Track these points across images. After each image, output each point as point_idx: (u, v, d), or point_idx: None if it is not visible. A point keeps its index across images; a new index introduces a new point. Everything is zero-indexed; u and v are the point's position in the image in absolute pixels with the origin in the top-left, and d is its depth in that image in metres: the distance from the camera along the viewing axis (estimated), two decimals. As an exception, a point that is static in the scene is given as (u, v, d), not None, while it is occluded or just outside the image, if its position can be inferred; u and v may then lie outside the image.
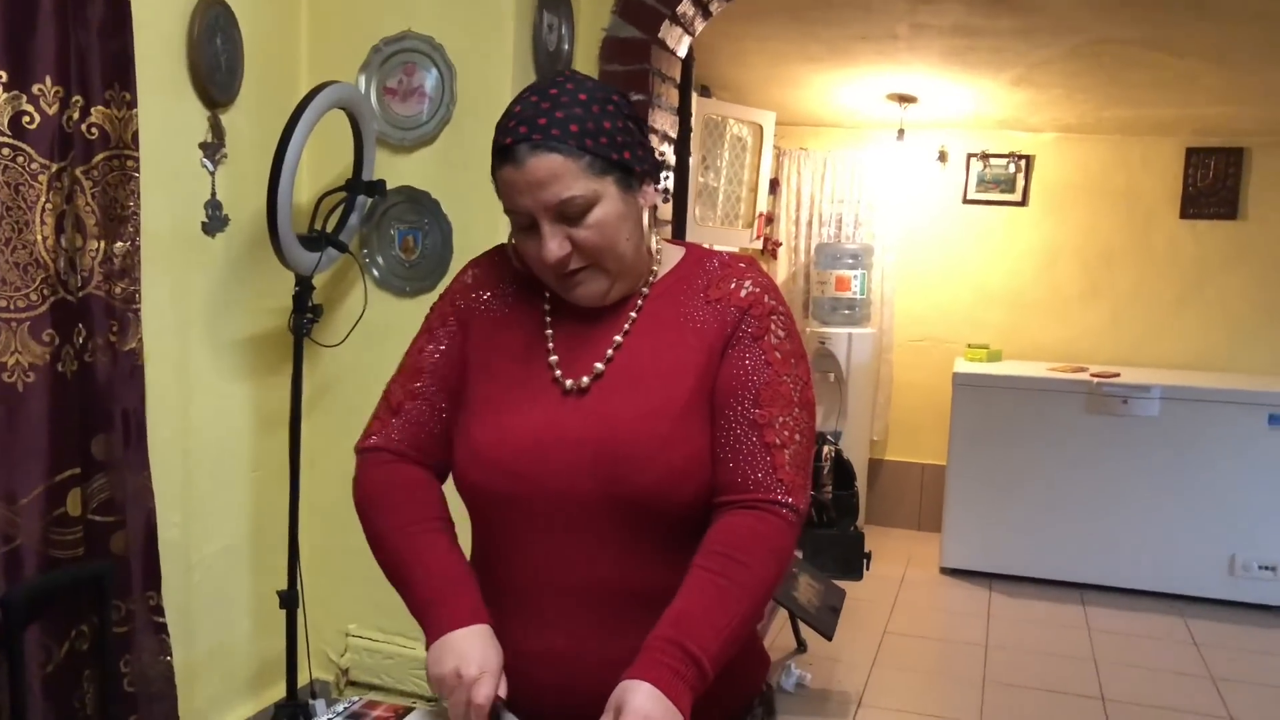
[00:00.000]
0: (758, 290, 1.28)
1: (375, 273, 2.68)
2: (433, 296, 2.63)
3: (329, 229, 2.48)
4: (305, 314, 2.39)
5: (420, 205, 2.63)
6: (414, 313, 2.68)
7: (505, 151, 1.19)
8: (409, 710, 1.38)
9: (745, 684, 1.36)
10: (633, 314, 1.28)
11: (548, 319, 1.31)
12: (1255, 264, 4.85)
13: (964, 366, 4.80)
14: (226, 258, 2.49)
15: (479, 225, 2.63)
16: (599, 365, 1.26)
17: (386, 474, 1.33)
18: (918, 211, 5.33)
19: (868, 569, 4.00)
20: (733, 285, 1.28)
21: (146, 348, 2.17)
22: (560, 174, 1.17)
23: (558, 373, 1.26)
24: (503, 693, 1.20)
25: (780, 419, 1.22)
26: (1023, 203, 5.18)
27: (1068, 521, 4.52)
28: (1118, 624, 4.15)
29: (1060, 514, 4.52)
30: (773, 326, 1.26)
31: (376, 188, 2.50)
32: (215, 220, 2.44)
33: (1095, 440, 4.45)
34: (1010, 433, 4.57)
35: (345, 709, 1.39)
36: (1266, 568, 4.30)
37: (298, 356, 2.40)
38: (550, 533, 1.23)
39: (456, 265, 2.64)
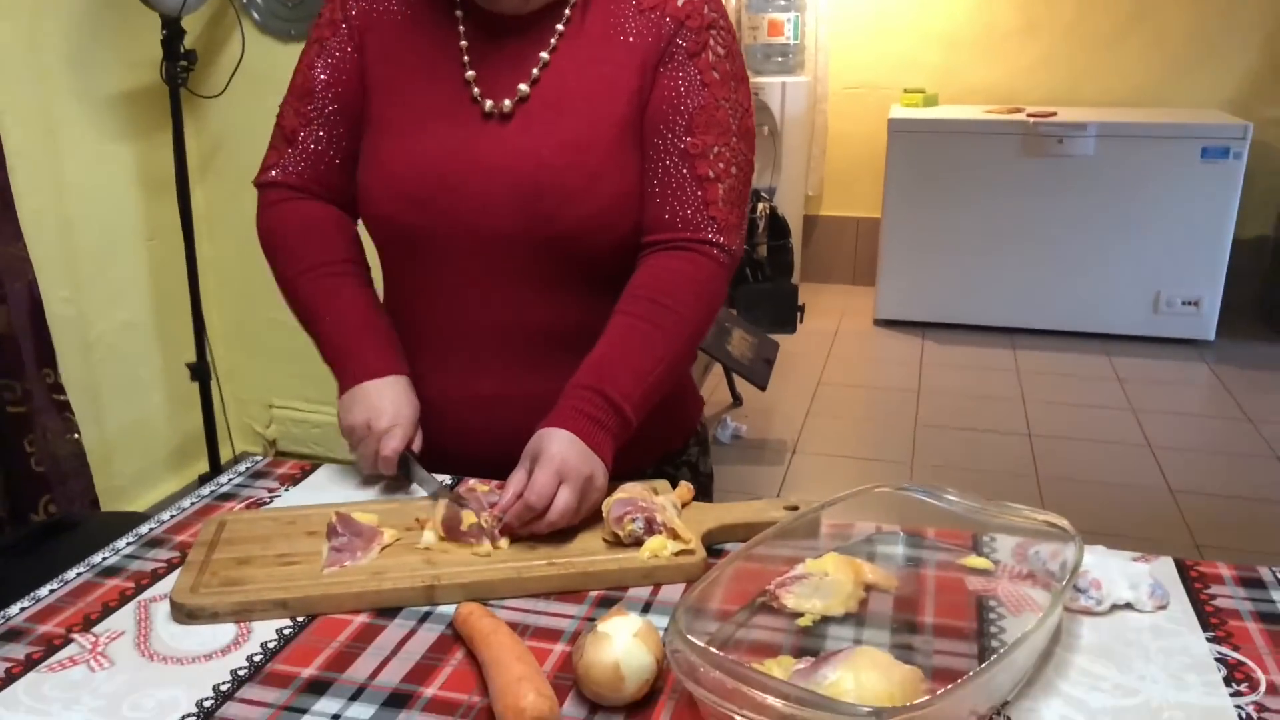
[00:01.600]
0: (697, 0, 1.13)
1: (255, 14, 2.42)
2: None
3: (195, -37, 2.20)
4: (178, 61, 2.15)
5: (298, -67, 2.35)
6: (303, 59, 2.47)
7: None
8: (316, 466, 1.32)
9: (680, 424, 1.32)
10: (559, 27, 1.13)
11: (461, 28, 1.14)
12: (1199, -9, 4.67)
13: (899, 113, 4.65)
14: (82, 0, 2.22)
15: (367, -44, 2.36)
16: (523, 86, 1.12)
17: (288, 213, 1.21)
18: (853, -53, 5.00)
19: (801, 322, 3.99)
20: None
21: (0, 105, 1.95)
22: None
23: (475, 91, 1.12)
24: (416, 446, 1.16)
25: (715, 149, 1.11)
26: (963, -68, 4.87)
27: (1001, 267, 4.52)
28: (1046, 365, 4.24)
29: (994, 260, 4.52)
30: (711, 42, 1.12)
31: (244, -89, 2.22)
32: (61, -44, 2.15)
33: (1030, 183, 4.39)
34: (946, 180, 4.49)
35: (249, 468, 1.32)
36: (1189, 303, 4.38)
37: (176, 110, 2.19)
38: (469, 272, 1.14)
39: (346, 3, 2.40)
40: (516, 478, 1.02)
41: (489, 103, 1.12)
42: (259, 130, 2.47)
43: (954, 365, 4.26)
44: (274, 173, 1.21)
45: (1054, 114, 4.46)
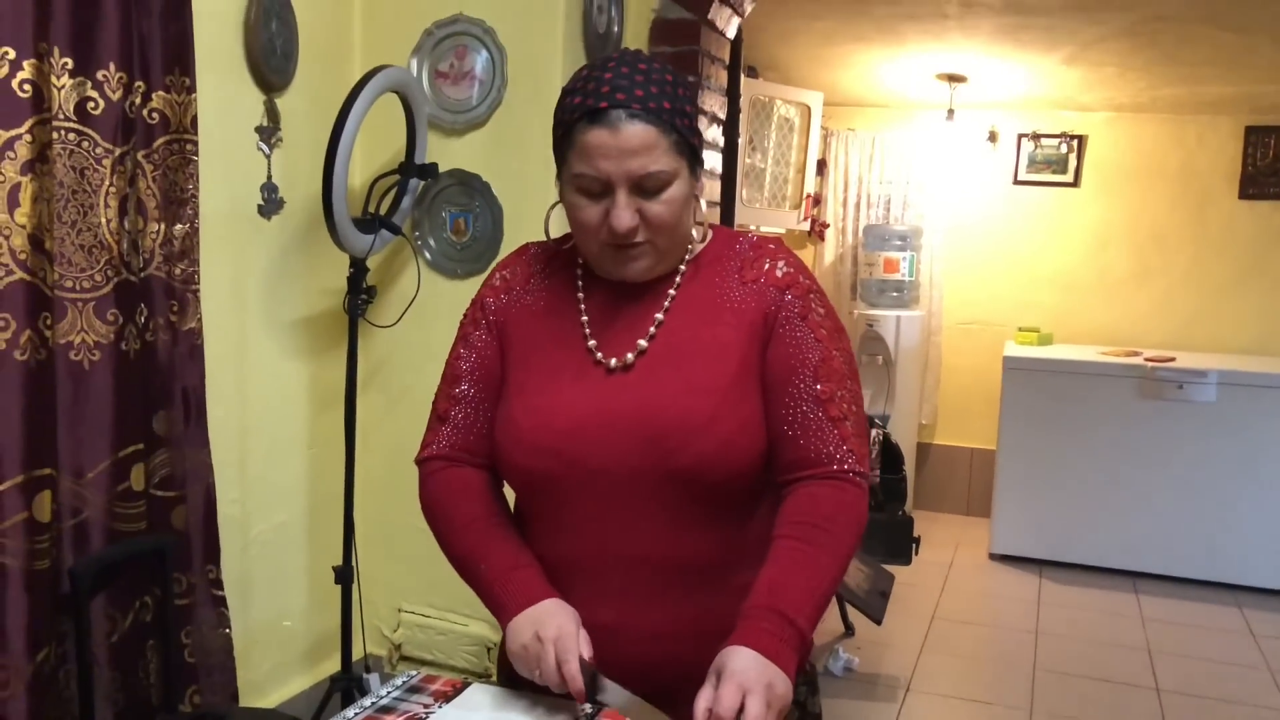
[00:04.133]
0: (792, 270, 1.32)
1: (427, 255, 2.71)
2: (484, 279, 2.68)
3: (382, 211, 2.50)
4: (360, 295, 2.42)
5: (471, 188, 2.65)
6: (465, 294, 2.69)
7: (598, 115, 1.20)
8: (467, 684, 1.40)
9: None
10: (671, 292, 1.31)
11: (582, 305, 1.34)
12: (1316, 245, 4.74)
13: (1014, 350, 4.75)
14: (282, 239, 2.53)
15: (530, 208, 2.64)
16: (642, 343, 1.29)
17: (443, 480, 1.38)
18: (967, 193, 5.26)
19: (916, 554, 3.98)
20: (766, 266, 1.32)
21: (205, 327, 2.22)
22: (652, 146, 1.20)
23: (599, 355, 1.30)
24: (587, 653, 1.20)
25: (839, 393, 1.27)
26: (1074, 184, 5.09)
27: (1120, 508, 4.45)
28: (1172, 613, 4.09)
29: (1113, 500, 4.46)
30: (813, 305, 1.30)
31: (429, 171, 2.53)
32: (271, 203, 2.48)
33: (1149, 425, 4.38)
34: (1061, 417, 4.51)
35: (404, 682, 1.41)
36: (1325, 557, 4.21)
37: (353, 336, 2.44)
38: (596, 508, 1.27)
39: (507, 248, 2.66)
40: (704, 694, 1.11)
41: (612, 360, 1.29)
42: (419, 352, 2.74)
43: (1074, 606, 4.14)
44: (429, 450, 1.40)
45: (1173, 359, 4.49)
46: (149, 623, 2.13)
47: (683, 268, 1.32)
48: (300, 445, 2.67)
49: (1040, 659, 3.61)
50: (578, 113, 1.22)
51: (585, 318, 1.32)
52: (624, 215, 1.21)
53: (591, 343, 1.30)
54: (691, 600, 1.24)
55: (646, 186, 1.21)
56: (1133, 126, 4.98)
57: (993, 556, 4.67)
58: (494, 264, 1.50)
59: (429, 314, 2.60)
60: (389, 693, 1.38)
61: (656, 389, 1.25)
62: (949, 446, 5.39)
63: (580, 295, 1.34)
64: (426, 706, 1.33)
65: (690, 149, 1.25)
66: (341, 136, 2.23)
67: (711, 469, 1.23)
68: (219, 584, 2.29)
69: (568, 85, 1.27)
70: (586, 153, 1.21)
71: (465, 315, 1.43)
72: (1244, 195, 4.82)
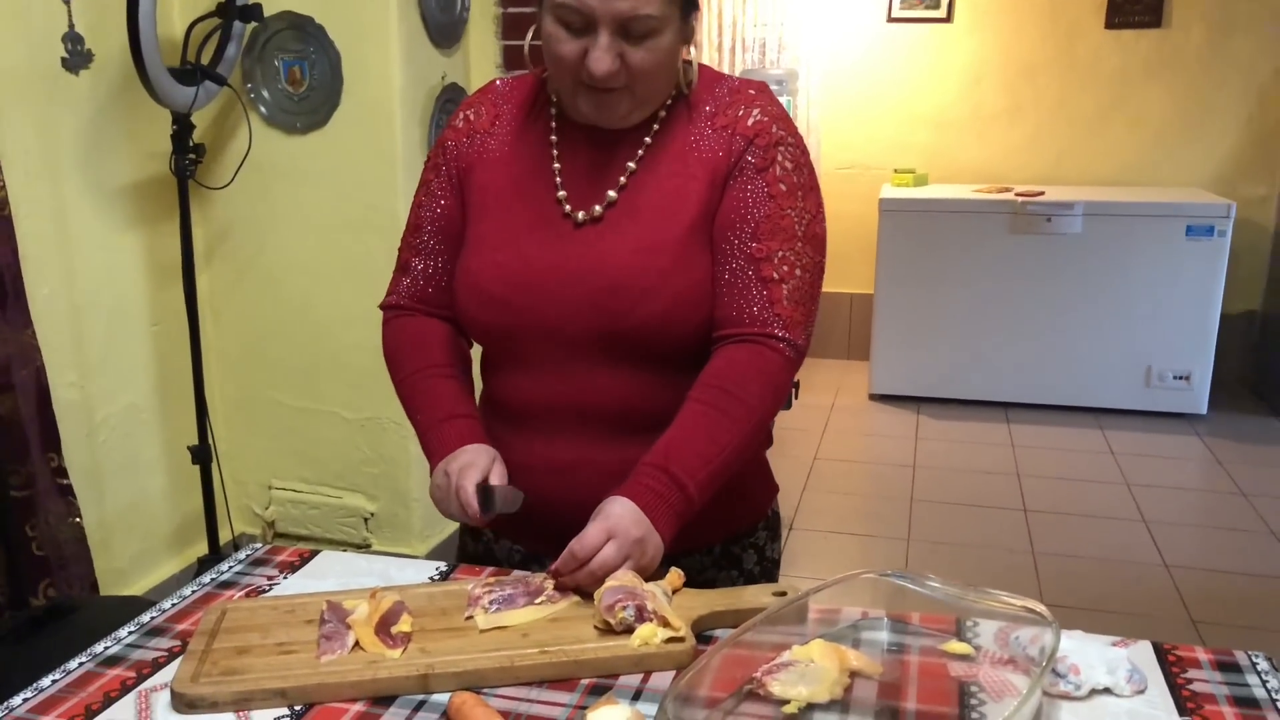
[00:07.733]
0: (765, 119, 1.23)
1: (262, 109, 2.50)
2: (326, 131, 2.51)
3: (205, 61, 2.29)
4: (186, 154, 2.22)
5: (304, 32, 2.44)
6: (307, 150, 2.54)
7: None
8: (315, 553, 1.34)
9: (751, 507, 1.38)
10: (647, 139, 1.24)
11: (555, 151, 1.26)
12: (1178, 73, 4.80)
13: (890, 192, 4.75)
14: (95, 97, 2.30)
15: (370, 51, 2.45)
16: (612, 194, 1.23)
17: (398, 329, 1.35)
18: (843, 33, 5.15)
19: (796, 398, 4.03)
20: (740, 112, 1.24)
21: (14, 196, 2.02)
22: None
23: (567, 208, 1.23)
24: (496, 479, 1.19)
25: (780, 253, 1.20)
26: (947, 19, 5.02)
27: (993, 342, 4.58)
28: (1040, 439, 4.27)
29: (986, 335, 4.58)
30: (779, 157, 1.22)
31: (252, 12, 2.30)
32: (76, 55, 2.23)
33: (1020, 260, 4.47)
34: (936, 257, 4.57)
35: (248, 556, 1.35)
36: (1180, 377, 4.42)
37: (184, 201, 2.26)
38: (549, 359, 1.24)
39: (349, 96, 2.48)
40: (578, 536, 1.10)
41: (580, 214, 1.22)
42: (264, 218, 2.56)
43: (949, 440, 4.28)
44: (391, 298, 1.36)
45: (1041, 193, 4.55)
46: (-15, 517, 2.00)
47: (663, 113, 1.24)
48: (142, 322, 2.50)
49: (917, 491, 3.74)
50: None
51: (558, 165, 1.24)
52: (604, 58, 1.12)
53: (562, 194, 1.23)
54: (643, 442, 1.20)
55: (632, 30, 1.12)
56: (1004, -42, 4.91)
57: (872, 397, 4.78)
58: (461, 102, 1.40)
59: (269, 174, 2.43)
60: (231, 567, 1.31)
61: (614, 245, 1.20)
62: (829, 293, 5.42)
63: (554, 139, 1.26)
64: (270, 578, 1.27)
65: None
66: (145, -26, 2.00)
67: (660, 330, 1.19)
68: (63, 472, 2.16)
69: None
70: None
71: (427, 159, 1.34)
72: (1110, 25, 4.83)
